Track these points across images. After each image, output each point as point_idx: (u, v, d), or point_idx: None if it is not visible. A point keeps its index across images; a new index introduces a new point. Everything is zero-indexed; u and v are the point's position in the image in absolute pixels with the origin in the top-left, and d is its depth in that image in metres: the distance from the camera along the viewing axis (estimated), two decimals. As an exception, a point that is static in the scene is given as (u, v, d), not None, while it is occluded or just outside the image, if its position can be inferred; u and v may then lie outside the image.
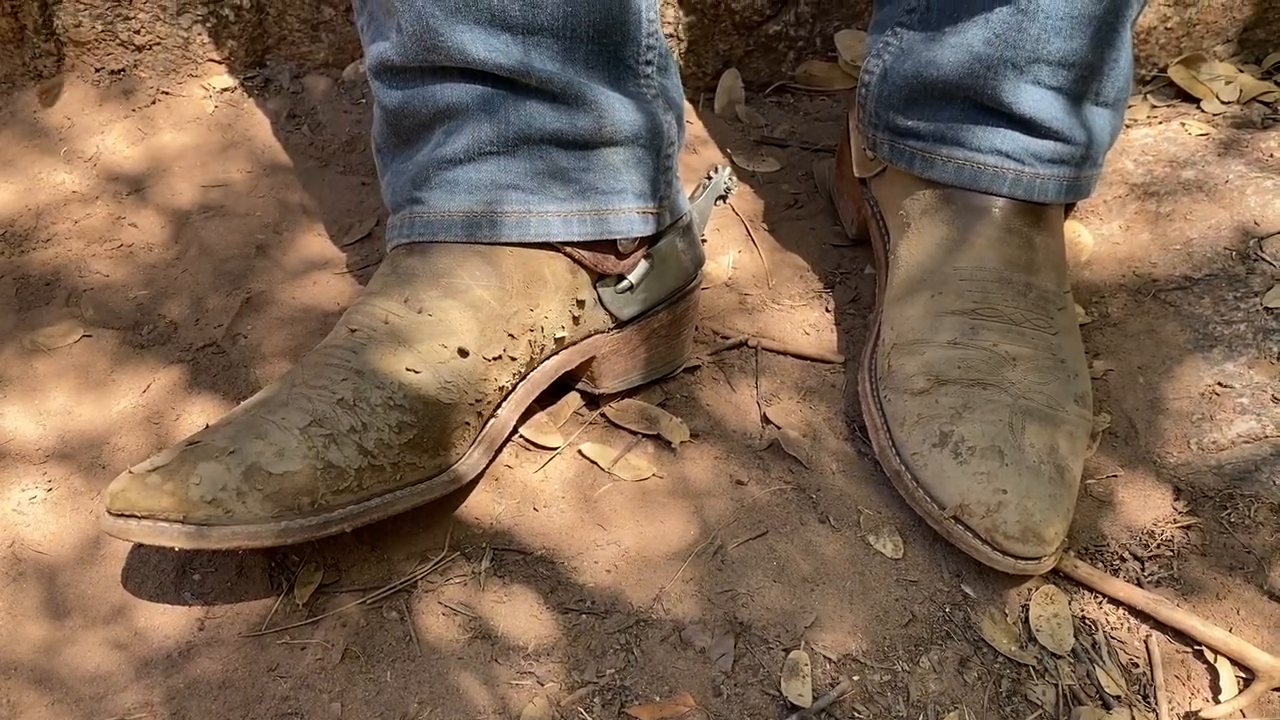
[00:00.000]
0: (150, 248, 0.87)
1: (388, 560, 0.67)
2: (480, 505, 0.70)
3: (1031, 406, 0.67)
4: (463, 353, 0.65)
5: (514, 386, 0.70)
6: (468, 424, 0.66)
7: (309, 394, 0.63)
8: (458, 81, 0.66)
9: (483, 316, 0.66)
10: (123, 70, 1.00)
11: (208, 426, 0.64)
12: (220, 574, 0.66)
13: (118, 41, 0.98)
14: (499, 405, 0.69)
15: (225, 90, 1.00)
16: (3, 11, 0.96)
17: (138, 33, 0.98)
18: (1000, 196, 0.73)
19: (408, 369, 0.64)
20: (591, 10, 0.65)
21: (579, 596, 0.66)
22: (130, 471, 0.60)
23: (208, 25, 0.98)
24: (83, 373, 0.78)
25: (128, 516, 0.59)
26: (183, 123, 0.97)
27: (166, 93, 0.99)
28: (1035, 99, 0.71)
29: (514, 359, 0.68)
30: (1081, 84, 0.70)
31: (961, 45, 0.71)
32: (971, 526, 0.64)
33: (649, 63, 0.69)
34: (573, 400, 0.77)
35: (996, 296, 0.71)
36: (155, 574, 0.66)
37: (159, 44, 0.99)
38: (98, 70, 0.99)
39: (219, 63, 1.01)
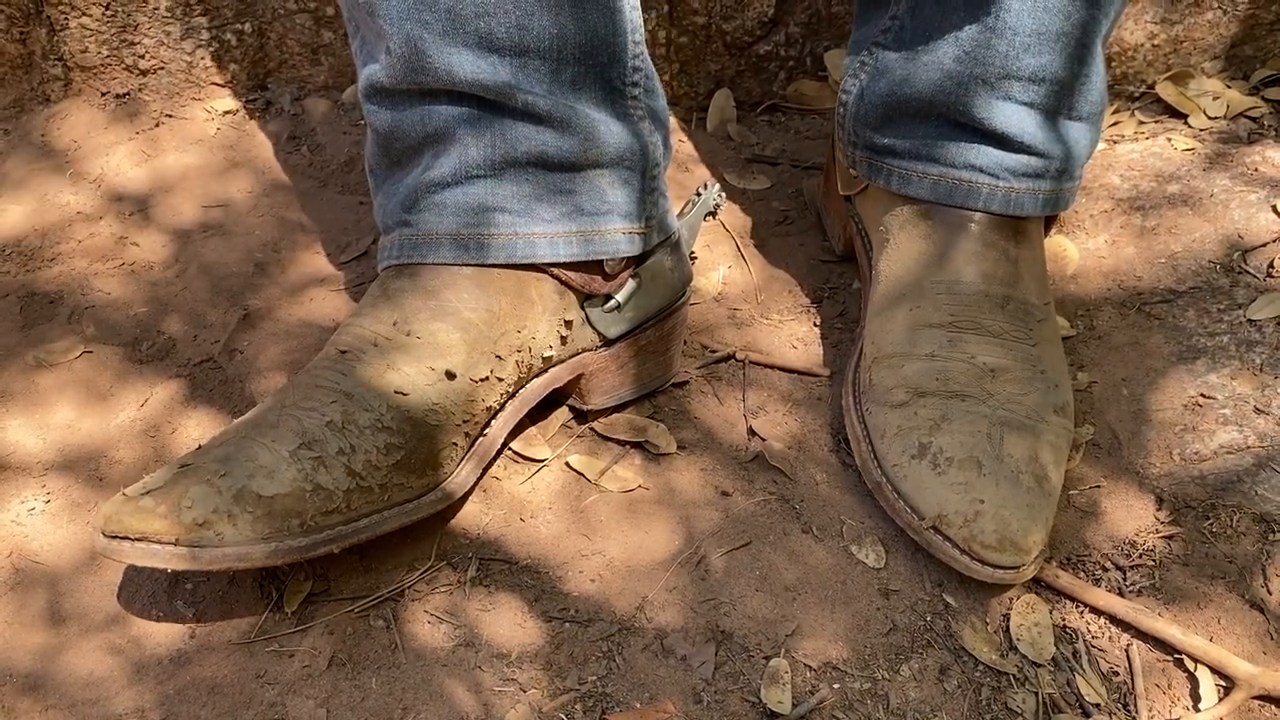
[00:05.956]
0: (151, 266, 0.89)
1: (375, 570, 0.68)
2: (468, 516, 0.71)
3: (1010, 417, 0.68)
4: (450, 375, 0.66)
5: (502, 405, 0.71)
6: (455, 444, 0.67)
7: (299, 415, 0.64)
8: (445, 104, 0.67)
9: (470, 338, 0.67)
10: (128, 94, 1.02)
11: (200, 447, 0.65)
12: (212, 584, 0.67)
13: (123, 66, 1.01)
14: (487, 424, 0.70)
15: (227, 113, 1.02)
16: (11, 38, 0.98)
17: (142, 57, 1.00)
18: (976, 211, 0.74)
19: (395, 391, 0.65)
20: (578, 33, 0.66)
21: (563, 605, 0.67)
22: (124, 494, 0.61)
23: (211, 50, 1.01)
24: (83, 387, 0.79)
25: (121, 538, 0.60)
26: (186, 144, 0.99)
27: (170, 115, 1.02)
28: (1007, 114, 0.72)
29: (501, 379, 0.69)
30: (1054, 99, 0.71)
31: (934, 63, 0.72)
32: (950, 536, 0.65)
33: (635, 84, 0.70)
34: (561, 413, 0.78)
35: (975, 309, 0.71)
36: (149, 583, 0.67)
37: (163, 68, 1.01)
38: (104, 94, 1.02)
39: (222, 86, 1.03)
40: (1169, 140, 0.95)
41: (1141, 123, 0.99)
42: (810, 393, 0.79)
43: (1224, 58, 1.01)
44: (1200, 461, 0.73)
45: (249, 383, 0.79)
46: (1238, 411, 0.74)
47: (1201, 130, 0.96)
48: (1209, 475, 0.72)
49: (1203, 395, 0.76)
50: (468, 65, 0.65)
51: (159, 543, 0.60)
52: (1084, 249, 0.87)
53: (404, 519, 0.66)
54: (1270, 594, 0.66)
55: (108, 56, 1.00)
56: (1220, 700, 0.63)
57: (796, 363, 0.81)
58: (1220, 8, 0.98)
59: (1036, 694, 0.63)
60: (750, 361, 0.81)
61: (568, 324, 0.72)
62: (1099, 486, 0.73)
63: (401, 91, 0.68)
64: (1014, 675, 0.64)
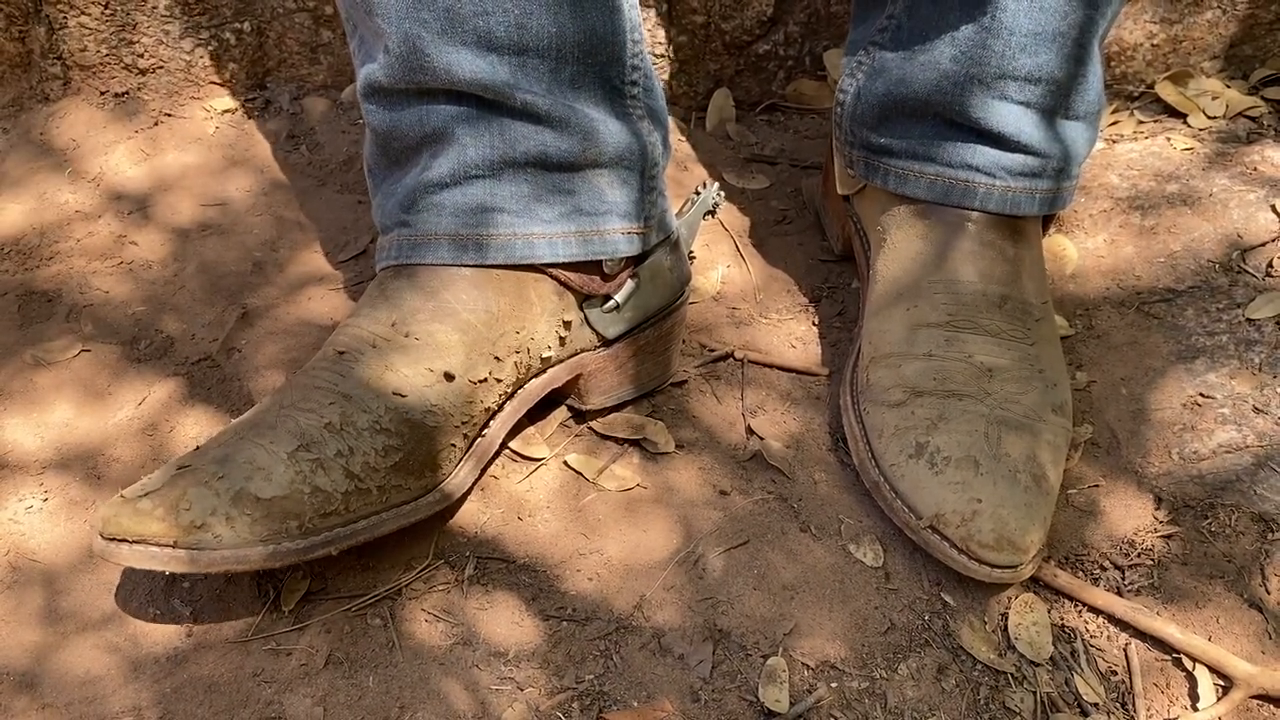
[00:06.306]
0: (150, 265, 0.89)
1: (373, 568, 0.68)
2: (466, 515, 0.71)
3: (1008, 416, 0.68)
4: (449, 376, 0.66)
5: (501, 406, 0.70)
6: (454, 445, 0.67)
7: (296, 417, 0.64)
8: (444, 103, 0.66)
9: (469, 340, 0.67)
10: (127, 93, 1.02)
11: (198, 448, 0.65)
12: (209, 583, 0.67)
13: (122, 65, 1.01)
14: (485, 425, 0.70)
15: (226, 111, 1.02)
16: (10, 36, 0.98)
17: (141, 56, 1.00)
18: (974, 210, 0.74)
19: (394, 393, 0.65)
20: (578, 31, 0.66)
21: (560, 604, 0.67)
22: (122, 496, 0.61)
23: (210, 49, 1.01)
24: (81, 386, 0.79)
25: (119, 541, 0.60)
26: (185, 143, 0.99)
27: (169, 114, 1.02)
28: (1004, 114, 0.72)
29: (500, 380, 0.69)
30: (1051, 99, 0.71)
31: (930, 63, 0.72)
32: (947, 536, 0.65)
33: (634, 83, 0.70)
34: (559, 412, 0.78)
35: (972, 309, 0.71)
36: (146, 581, 0.67)
37: (162, 67, 1.01)
38: (103, 93, 1.02)
39: (221, 85, 1.03)
40: (1168, 140, 0.95)
41: (1141, 122, 0.99)
42: (809, 392, 0.79)
43: (1223, 57, 1.01)
44: (1199, 461, 0.73)
45: (247, 381, 0.79)
46: (1236, 411, 0.74)
47: (1201, 130, 0.96)
48: (1208, 474, 0.72)
49: (1201, 395, 0.76)
50: (466, 64, 0.65)
51: (157, 545, 0.60)
52: (1083, 248, 0.87)
53: (402, 520, 0.66)
54: (1269, 593, 0.66)
55: (107, 55, 1.00)
56: (1219, 700, 0.63)
57: (795, 362, 0.81)
58: (1219, 7, 0.98)
59: (1034, 693, 0.63)
60: (749, 361, 0.81)
61: (566, 324, 0.72)
62: (1097, 486, 0.73)
63: (400, 91, 0.68)
64: (1012, 674, 0.64)
